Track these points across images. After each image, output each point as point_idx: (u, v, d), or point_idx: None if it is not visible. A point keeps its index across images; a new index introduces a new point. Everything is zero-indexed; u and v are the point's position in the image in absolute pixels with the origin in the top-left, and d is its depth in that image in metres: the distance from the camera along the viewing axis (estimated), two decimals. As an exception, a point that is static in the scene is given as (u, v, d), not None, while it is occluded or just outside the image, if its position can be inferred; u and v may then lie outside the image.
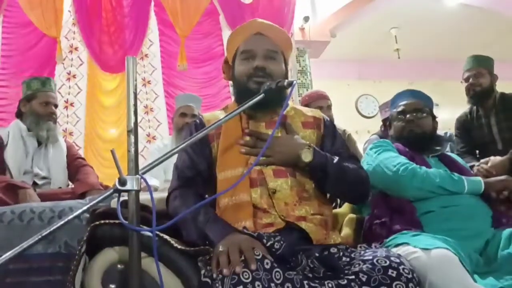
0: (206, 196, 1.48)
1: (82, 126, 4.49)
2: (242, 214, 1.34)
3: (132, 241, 1.07)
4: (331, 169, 1.42)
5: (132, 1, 4.82)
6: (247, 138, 1.45)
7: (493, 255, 1.41)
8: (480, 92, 2.95)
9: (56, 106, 2.74)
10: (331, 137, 1.59)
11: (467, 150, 3.06)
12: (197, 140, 1.31)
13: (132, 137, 1.11)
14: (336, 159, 1.46)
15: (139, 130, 4.55)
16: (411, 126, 1.88)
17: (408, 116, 1.90)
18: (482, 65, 3.02)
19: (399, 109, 1.94)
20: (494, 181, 1.73)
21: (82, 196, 2.39)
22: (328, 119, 1.66)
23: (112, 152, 1.07)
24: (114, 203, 1.49)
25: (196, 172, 1.47)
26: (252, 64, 1.49)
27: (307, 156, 1.41)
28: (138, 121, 4.51)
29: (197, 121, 1.60)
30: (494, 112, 2.93)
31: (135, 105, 1.13)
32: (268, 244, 1.20)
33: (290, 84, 1.37)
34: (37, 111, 2.63)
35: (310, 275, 1.19)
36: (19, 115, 2.69)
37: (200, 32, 5.04)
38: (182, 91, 4.55)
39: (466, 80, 3.03)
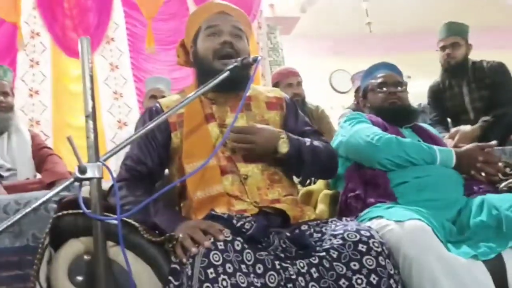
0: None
1: (49, 114, 4.36)
2: (217, 204, 1.31)
3: (96, 230, 1.04)
4: (306, 155, 1.41)
5: (94, -18, 4.66)
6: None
7: (466, 224, 1.41)
8: (455, 65, 2.90)
9: (5, 93, 2.59)
10: (294, 116, 1.58)
11: (439, 119, 3.07)
12: (153, 130, 1.32)
13: (91, 123, 1.08)
14: (308, 142, 1.44)
15: (110, 116, 4.57)
16: (392, 99, 1.87)
17: (391, 88, 1.88)
18: (458, 33, 2.92)
19: (379, 80, 1.92)
20: (464, 155, 1.67)
21: (50, 186, 2.33)
22: (289, 97, 1.65)
23: (69, 139, 1.02)
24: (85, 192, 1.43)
25: (146, 168, 1.42)
26: (219, 40, 1.45)
27: (283, 147, 1.39)
28: (108, 107, 4.53)
29: (154, 108, 1.51)
30: (466, 82, 2.91)
31: (92, 88, 1.10)
32: (239, 224, 1.19)
33: (255, 60, 1.33)
34: None
35: (282, 255, 1.17)
36: None
37: (167, 13, 4.89)
38: (151, 74, 4.44)
39: (442, 49, 2.95)
